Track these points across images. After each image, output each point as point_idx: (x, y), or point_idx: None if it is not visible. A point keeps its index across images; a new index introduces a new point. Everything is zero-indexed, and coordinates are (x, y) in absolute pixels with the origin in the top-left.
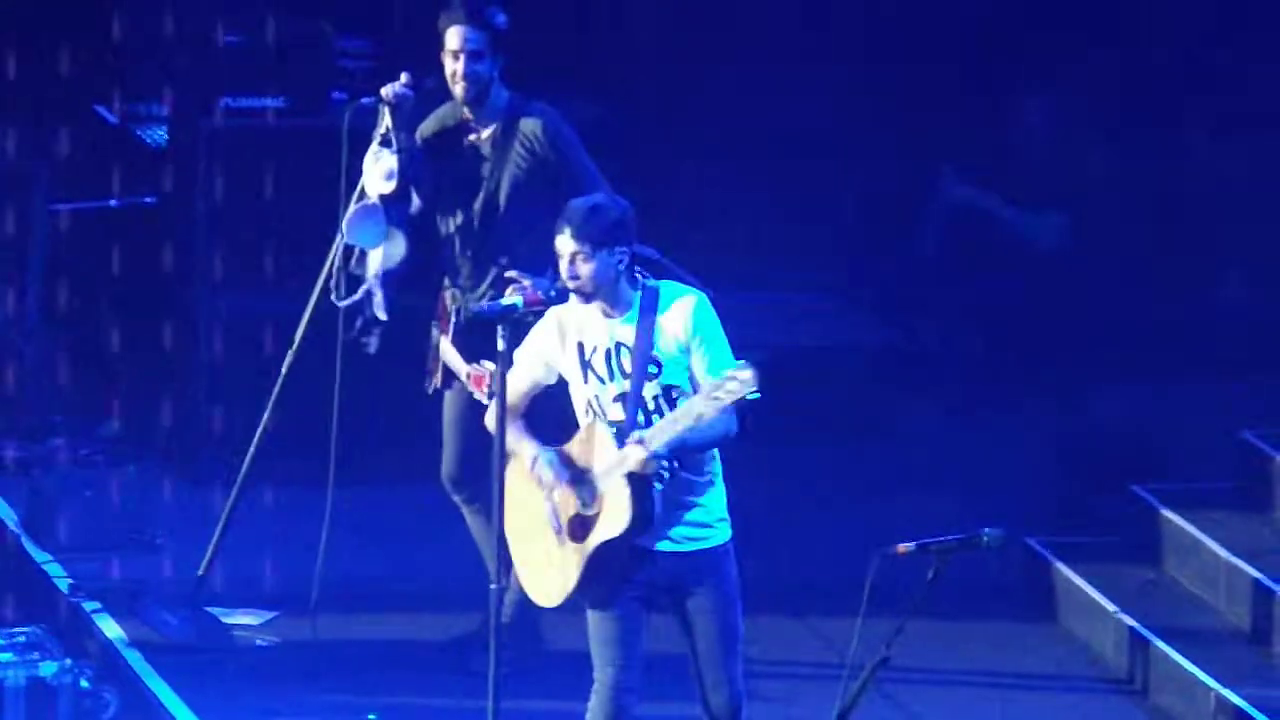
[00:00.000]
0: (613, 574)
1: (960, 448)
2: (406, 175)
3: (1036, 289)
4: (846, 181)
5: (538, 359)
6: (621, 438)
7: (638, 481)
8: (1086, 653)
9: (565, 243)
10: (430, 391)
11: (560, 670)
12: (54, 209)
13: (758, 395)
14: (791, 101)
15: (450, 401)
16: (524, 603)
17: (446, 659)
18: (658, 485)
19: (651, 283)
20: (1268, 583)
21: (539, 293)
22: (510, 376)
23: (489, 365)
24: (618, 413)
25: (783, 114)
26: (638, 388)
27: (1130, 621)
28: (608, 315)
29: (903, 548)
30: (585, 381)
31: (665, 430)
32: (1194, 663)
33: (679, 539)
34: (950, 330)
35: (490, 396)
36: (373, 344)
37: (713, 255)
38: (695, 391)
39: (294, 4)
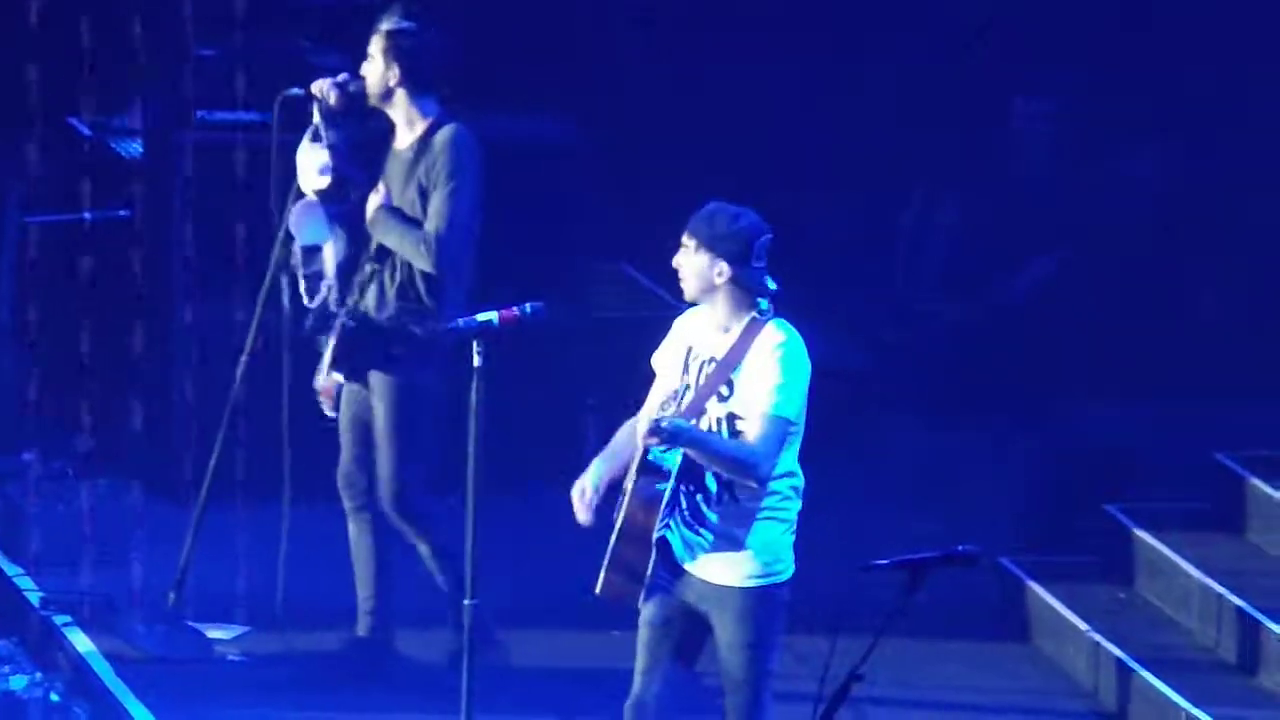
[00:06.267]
0: (633, 572)
1: (935, 467)
2: (338, 170)
3: (1012, 309)
4: (823, 202)
5: (668, 363)
6: None
7: (643, 482)
8: (1059, 672)
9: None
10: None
11: (531, 687)
12: (26, 221)
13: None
14: (767, 125)
15: (349, 399)
16: (487, 621)
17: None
18: (664, 490)
19: (766, 315)
20: (1239, 603)
21: (514, 310)
22: (655, 386)
23: (336, 377)
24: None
25: (759, 136)
26: (701, 399)
27: (1102, 641)
28: (719, 330)
29: (878, 564)
30: (679, 378)
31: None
32: (1166, 683)
33: (705, 564)
34: (926, 350)
35: (335, 410)
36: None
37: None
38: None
39: (268, 18)
